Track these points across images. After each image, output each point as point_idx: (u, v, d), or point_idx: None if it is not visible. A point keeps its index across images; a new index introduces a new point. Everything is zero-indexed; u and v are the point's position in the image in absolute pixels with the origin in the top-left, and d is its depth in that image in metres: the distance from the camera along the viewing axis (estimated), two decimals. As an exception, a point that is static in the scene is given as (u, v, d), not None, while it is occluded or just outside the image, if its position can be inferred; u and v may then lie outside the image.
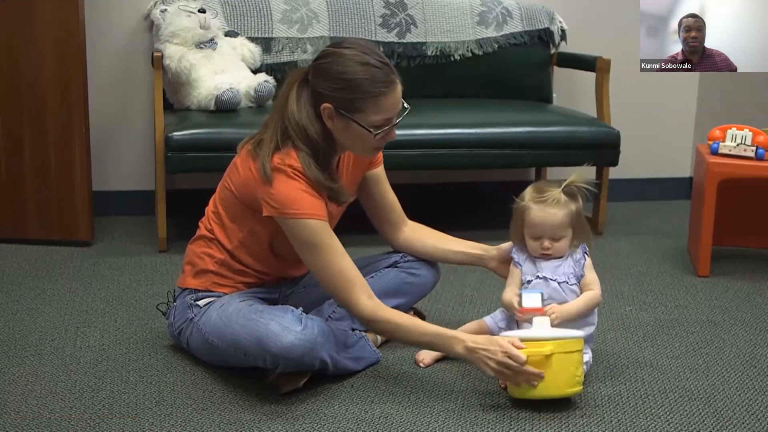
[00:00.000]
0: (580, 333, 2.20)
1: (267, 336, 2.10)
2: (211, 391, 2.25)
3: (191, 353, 2.40)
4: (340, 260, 2.20)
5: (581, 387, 2.18)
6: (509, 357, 2.10)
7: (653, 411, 2.19)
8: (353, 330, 2.41)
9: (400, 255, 2.58)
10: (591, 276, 2.35)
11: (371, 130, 2.18)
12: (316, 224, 2.18)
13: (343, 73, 2.15)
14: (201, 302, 2.33)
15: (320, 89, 2.18)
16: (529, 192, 2.35)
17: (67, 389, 2.24)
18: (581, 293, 2.33)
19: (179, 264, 2.53)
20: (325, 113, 2.19)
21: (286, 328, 2.10)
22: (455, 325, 2.36)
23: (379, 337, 2.51)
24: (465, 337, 2.18)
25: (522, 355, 2.10)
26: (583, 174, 2.34)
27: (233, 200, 2.30)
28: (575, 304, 2.31)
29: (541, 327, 2.20)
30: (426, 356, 2.42)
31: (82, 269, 3.19)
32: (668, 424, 2.13)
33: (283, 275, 2.45)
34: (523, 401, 2.19)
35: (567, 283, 2.33)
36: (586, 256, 2.36)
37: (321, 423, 2.09)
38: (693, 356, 2.54)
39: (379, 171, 2.49)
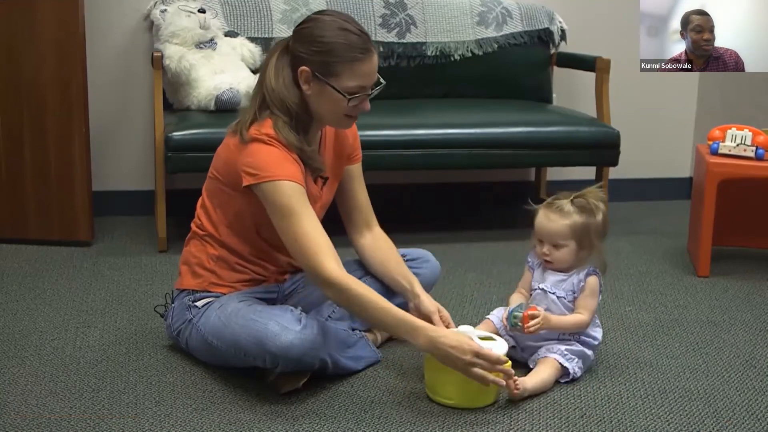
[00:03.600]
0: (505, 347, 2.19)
1: (266, 336, 2.10)
2: (211, 391, 2.25)
3: (191, 353, 2.40)
4: (311, 224, 2.17)
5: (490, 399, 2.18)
6: (479, 356, 2.09)
7: (653, 411, 2.19)
8: (353, 330, 2.41)
9: (401, 255, 2.57)
10: (586, 302, 2.35)
11: (345, 95, 2.20)
12: (292, 186, 2.17)
13: (322, 36, 2.19)
14: (199, 303, 2.33)
15: (299, 53, 2.22)
16: (549, 198, 2.40)
17: (67, 389, 2.24)
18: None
19: (178, 264, 2.52)
20: (302, 77, 2.22)
21: (286, 327, 2.11)
22: (456, 325, 2.35)
23: (379, 337, 2.52)
24: (431, 331, 2.13)
25: (494, 354, 2.11)
26: (596, 191, 2.37)
27: (218, 186, 2.32)
28: (562, 320, 2.34)
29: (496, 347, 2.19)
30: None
31: (82, 269, 3.19)
32: (668, 424, 2.13)
33: (276, 264, 2.43)
34: (522, 404, 2.20)
35: (565, 299, 2.36)
36: (587, 279, 2.35)
37: (321, 423, 2.09)
38: (693, 356, 2.54)
39: (355, 168, 2.49)
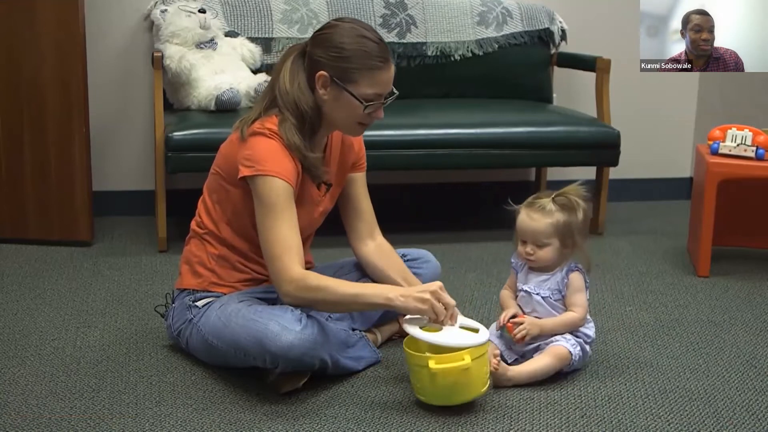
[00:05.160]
0: (482, 338, 2.17)
1: (266, 336, 2.10)
2: (211, 391, 2.25)
3: (191, 353, 2.40)
4: (288, 225, 2.18)
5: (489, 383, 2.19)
6: (443, 291, 2.17)
7: (653, 411, 2.19)
8: (353, 330, 2.41)
9: (401, 255, 2.57)
10: (575, 298, 2.36)
11: (362, 101, 2.21)
12: (281, 185, 2.18)
13: (342, 43, 2.20)
14: (199, 303, 2.33)
15: (318, 57, 2.22)
16: (529, 198, 2.40)
17: (68, 389, 2.24)
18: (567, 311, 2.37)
19: (179, 264, 2.52)
20: (319, 81, 2.22)
21: (286, 327, 2.11)
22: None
23: (379, 337, 2.52)
24: (400, 289, 2.21)
25: (451, 300, 2.18)
26: (577, 188, 2.38)
27: (218, 182, 2.33)
28: (555, 321, 2.35)
29: (448, 333, 2.17)
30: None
31: (82, 269, 3.19)
32: (668, 424, 2.13)
33: None
34: (522, 404, 2.19)
35: (551, 298, 2.36)
36: (570, 276, 2.36)
37: (321, 423, 2.09)
38: (693, 356, 2.54)
39: (360, 176, 2.49)
